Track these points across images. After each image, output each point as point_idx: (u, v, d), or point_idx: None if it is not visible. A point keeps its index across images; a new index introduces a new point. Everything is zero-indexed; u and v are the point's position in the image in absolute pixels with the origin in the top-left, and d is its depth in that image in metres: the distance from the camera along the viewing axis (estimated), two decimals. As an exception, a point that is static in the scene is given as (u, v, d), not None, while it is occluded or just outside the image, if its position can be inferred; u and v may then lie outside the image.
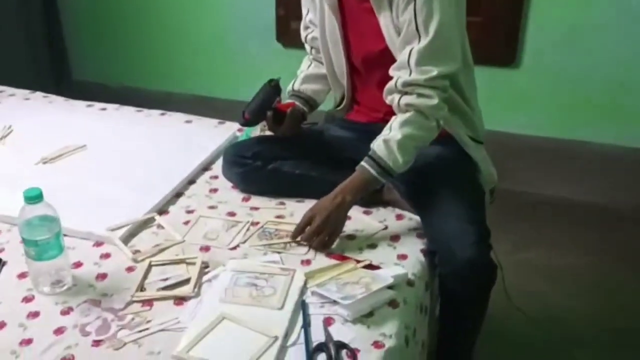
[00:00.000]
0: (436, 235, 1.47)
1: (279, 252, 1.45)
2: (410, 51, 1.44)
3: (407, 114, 1.47)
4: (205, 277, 1.37)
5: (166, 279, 1.36)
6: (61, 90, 3.39)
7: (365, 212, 1.61)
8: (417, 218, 1.57)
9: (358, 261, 1.40)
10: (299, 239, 1.46)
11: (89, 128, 2.03)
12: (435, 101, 1.45)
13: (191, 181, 1.77)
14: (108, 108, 2.22)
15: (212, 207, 1.65)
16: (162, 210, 1.63)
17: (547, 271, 2.32)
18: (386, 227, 1.55)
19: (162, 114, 2.18)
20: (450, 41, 1.46)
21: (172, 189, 1.69)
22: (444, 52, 1.45)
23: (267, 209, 1.63)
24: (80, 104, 2.26)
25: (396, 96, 1.48)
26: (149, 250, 1.46)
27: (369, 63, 1.60)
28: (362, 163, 1.48)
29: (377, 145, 1.47)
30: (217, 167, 1.79)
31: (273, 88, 1.65)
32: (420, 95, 1.45)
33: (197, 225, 1.57)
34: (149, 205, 1.62)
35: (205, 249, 1.47)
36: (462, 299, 1.47)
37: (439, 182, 1.55)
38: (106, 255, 1.45)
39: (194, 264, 1.40)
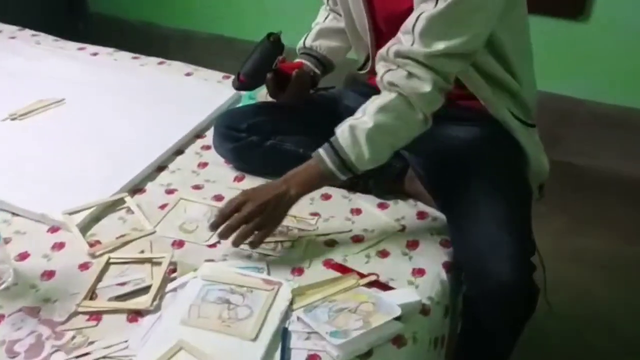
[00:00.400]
0: (465, 245, 1.17)
1: (266, 255, 1.18)
2: (419, 16, 1.10)
3: (389, 97, 1.14)
4: (170, 286, 1.11)
5: (123, 284, 1.12)
6: (74, 23, 3.16)
7: (380, 206, 1.32)
8: (443, 217, 1.27)
9: (361, 275, 1.12)
10: (220, 229, 1.14)
11: (73, 78, 1.75)
12: (426, 89, 1.10)
13: (179, 151, 1.49)
14: (100, 53, 1.94)
15: (196, 187, 1.38)
16: (137, 188, 1.37)
17: (601, 262, 2.00)
18: (403, 229, 1.25)
19: (161, 63, 1.90)
20: (476, 9, 1.09)
21: (151, 162, 1.42)
22: (462, 22, 1.09)
23: (261, 193, 1.35)
24: (71, 47, 1.99)
25: (382, 67, 1.15)
26: (111, 242, 1.21)
27: (393, 24, 1.24)
28: (319, 150, 1.16)
29: (341, 132, 1.14)
30: (212, 134, 1.50)
31: (273, 44, 1.32)
32: (411, 75, 1.11)
33: (175, 211, 1.30)
34: (122, 181, 1.36)
35: (179, 244, 1.21)
36: (490, 329, 1.17)
37: (472, 174, 1.23)
38: (59, 246, 1.21)
39: (160, 264, 1.15)
